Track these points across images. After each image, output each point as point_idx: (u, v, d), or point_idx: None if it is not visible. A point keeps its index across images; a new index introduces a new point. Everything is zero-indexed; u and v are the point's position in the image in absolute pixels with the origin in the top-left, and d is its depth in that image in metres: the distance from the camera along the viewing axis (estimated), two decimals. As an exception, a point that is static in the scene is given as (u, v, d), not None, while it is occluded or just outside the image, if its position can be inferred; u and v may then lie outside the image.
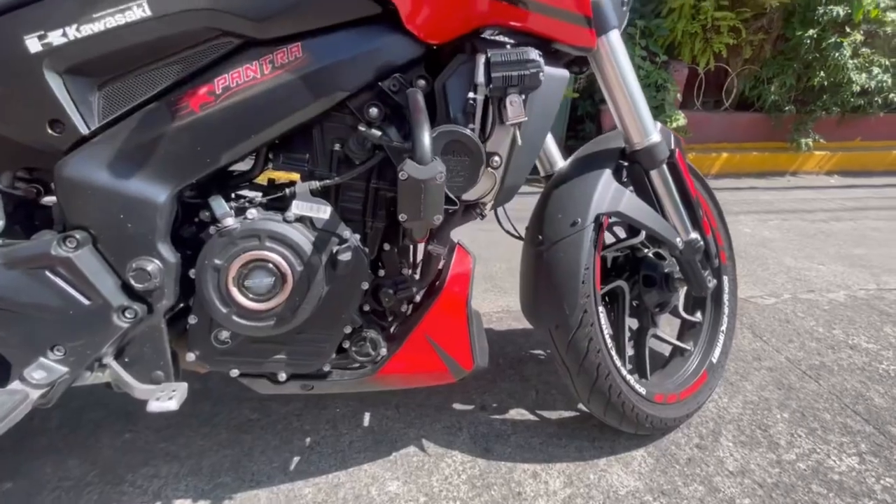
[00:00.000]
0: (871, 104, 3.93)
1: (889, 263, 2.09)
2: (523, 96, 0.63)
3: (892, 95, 3.94)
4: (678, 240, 0.95)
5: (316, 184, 0.73)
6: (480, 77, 0.66)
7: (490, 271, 1.88)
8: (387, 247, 0.82)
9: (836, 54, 3.53)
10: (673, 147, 0.95)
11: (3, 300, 0.63)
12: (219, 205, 0.69)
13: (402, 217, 0.61)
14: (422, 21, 0.67)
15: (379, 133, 0.70)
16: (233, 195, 0.74)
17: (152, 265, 0.66)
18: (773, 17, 3.65)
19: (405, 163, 0.57)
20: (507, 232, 1.09)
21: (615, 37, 0.80)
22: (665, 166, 0.92)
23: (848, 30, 3.57)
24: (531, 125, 0.69)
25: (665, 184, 0.93)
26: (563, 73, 0.72)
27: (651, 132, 0.88)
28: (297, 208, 0.71)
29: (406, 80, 0.71)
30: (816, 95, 3.84)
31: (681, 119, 3.53)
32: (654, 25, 3.75)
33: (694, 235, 0.97)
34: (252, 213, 0.70)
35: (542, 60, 0.62)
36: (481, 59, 0.65)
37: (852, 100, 3.80)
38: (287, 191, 0.73)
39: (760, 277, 1.92)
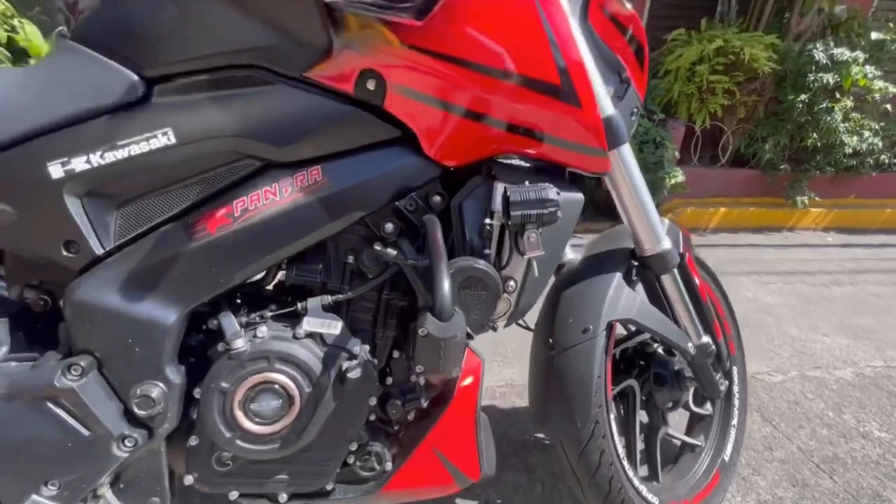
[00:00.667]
0: (863, 164, 4.04)
1: (893, 336, 2.08)
2: (540, 230, 0.64)
3: (883, 157, 4.06)
4: (690, 345, 0.94)
5: (328, 298, 0.72)
6: (498, 205, 0.66)
7: (496, 336, 1.85)
8: (396, 354, 0.81)
9: (828, 118, 3.66)
10: (682, 251, 0.95)
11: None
12: (229, 323, 0.67)
13: (419, 369, 0.60)
14: (439, 147, 0.68)
15: (394, 252, 0.70)
16: (243, 308, 0.73)
17: (157, 390, 0.64)
18: (766, 82, 3.80)
19: (426, 319, 0.56)
20: (517, 323, 1.08)
21: (626, 150, 0.82)
22: (676, 270, 0.92)
23: (838, 95, 3.72)
24: (547, 249, 0.69)
25: (676, 288, 0.93)
26: (578, 197, 0.72)
27: (662, 239, 0.88)
28: (308, 325, 0.70)
29: (422, 198, 0.72)
30: (810, 155, 3.94)
31: (679, 176, 3.60)
32: (652, 85, 3.90)
33: (705, 339, 0.96)
34: (262, 330, 0.69)
35: (559, 198, 0.63)
36: (499, 189, 0.66)
37: (845, 160, 3.91)
38: (299, 305, 0.72)
39: (766, 350, 1.90)
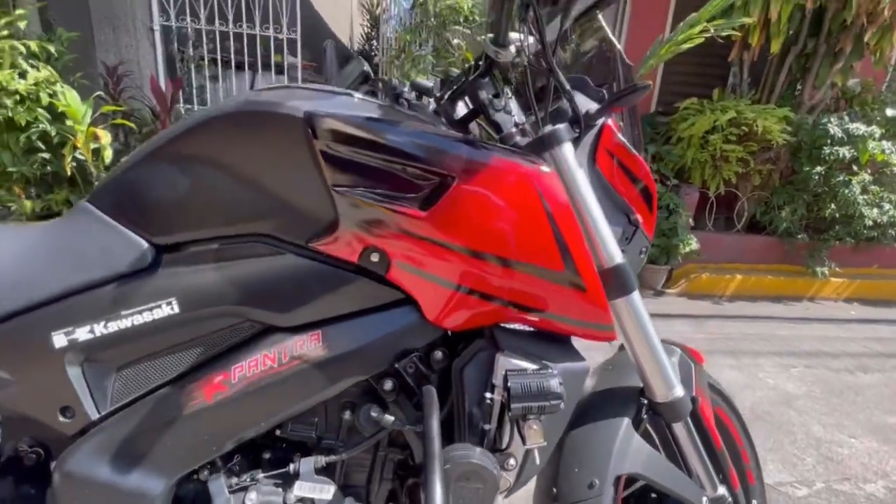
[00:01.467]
0: (884, 235, 3.95)
1: (927, 439, 1.95)
2: (542, 418, 0.61)
3: (905, 228, 3.97)
4: (704, 499, 0.88)
5: (322, 460, 0.70)
6: (499, 381, 0.64)
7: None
8: None
9: (846, 191, 3.62)
10: (695, 393, 0.91)
11: None
12: (219, 490, 0.65)
13: None
14: (441, 314, 0.67)
15: (392, 419, 0.68)
16: (234, 463, 0.71)
17: None
18: (781, 152, 3.81)
19: None
20: None
21: (636, 298, 0.80)
22: (689, 418, 0.88)
23: (855, 168, 3.69)
24: (549, 432, 0.66)
25: (689, 437, 0.88)
26: (583, 367, 0.70)
27: (674, 386, 0.85)
28: (299, 489, 0.68)
29: (422, 357, 0.70)
30: (829, 224, 3.88)
31: (693, 244, 3.56)
32: (665, 151, 3.94)
33: (721, 491, 0.90)
34: (252, 497, 0.67)
35: (563, 390, 0.61)
36: (500, 365, 0.64)
37: (865, 231, 3.82)
38: (291, 467, 0.70)
39: (789, 455, 1.79)
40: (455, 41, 3.11)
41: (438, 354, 0.71)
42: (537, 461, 0.66)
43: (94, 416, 0.63)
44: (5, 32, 2.87)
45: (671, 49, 2.93)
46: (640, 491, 1.03)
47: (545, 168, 0.64)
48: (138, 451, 0.63)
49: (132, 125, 3.20)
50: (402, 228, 0.61)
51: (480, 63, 0.79)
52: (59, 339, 0.61)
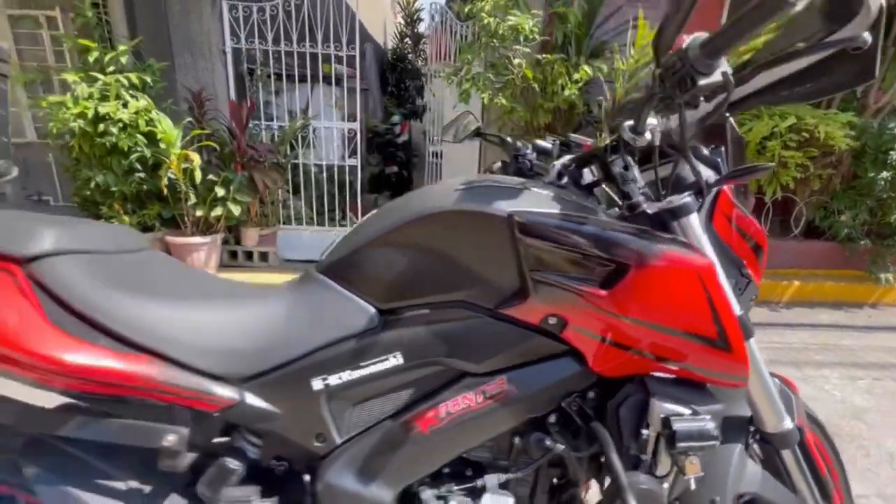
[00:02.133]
0: (953, 240, 3.83)
1: None
2: (701, 452, 0.76)
3: (978, 234, 3.83)
4: None
5: (503, 477, 0.87)
6: (654, 420, 0.79)
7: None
8: None
9: (914, 196, 3.53)
10: (798, 422, 1.03)
11: None
12: (429, 499, 0.84)
13: None
14: (602, 365, 0.82)
15: (563, 446, 0.84)
16: (436, 482, 0.89)
17: None
18: (843, 157, 3.74)
19: None
20: None
21: (753, 341, 0.93)
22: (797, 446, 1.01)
23: (924, 173, 3.59)
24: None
25: (797, 464, 1.00)
26: (720, 408, 0.84)
27: (784, 418, 0.97)
28: (487, 500, 0.85)
29: (580, 396, 0.86)
30: (893, 230, 3.79)
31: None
32: (719, 157, 3.93)
33: (826, 511, 1.03)
34: None
35: (718, 433, 0.76)
36: (656, 410, 0.79)
37: (933, 236, 3.72)
38: (478, 483, 0.87)
39: (864, 469, 1.86)
40: (516, 61, 3.22)
41: (592, 394, 0.87)
42: (692, 486, 0.81)
43: (338, 441, 0.82)
44: (111, 68, 3.18)
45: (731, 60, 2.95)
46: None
47: (702, 260, 0.77)
48: (373, 468, 0.82)
49: (215, 145, 3.49)
50: (583, 303, 0.77)
51: (611, 142, 0.92)
52: (317, 384, 0.80)
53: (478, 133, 1.39)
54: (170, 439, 0.76)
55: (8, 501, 0.79)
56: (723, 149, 0.99)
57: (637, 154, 0.95)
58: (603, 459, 0.82)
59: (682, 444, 0.75)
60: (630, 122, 0.83)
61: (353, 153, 4.34)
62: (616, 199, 0.97)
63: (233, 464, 0.82)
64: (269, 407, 0.80)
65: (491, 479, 0.87)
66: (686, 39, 0.69)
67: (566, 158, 1.05)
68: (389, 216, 0.84)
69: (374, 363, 0.80)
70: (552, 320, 0.80)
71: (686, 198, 0.83)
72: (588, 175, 1.00)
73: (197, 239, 3.48)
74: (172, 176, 3.24)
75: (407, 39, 10.37)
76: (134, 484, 0.81)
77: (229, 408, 0.78)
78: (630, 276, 0.75)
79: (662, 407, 0.79)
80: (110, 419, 0.75)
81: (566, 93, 3.35)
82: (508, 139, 1.28)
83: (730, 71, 0.69)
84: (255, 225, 4.01)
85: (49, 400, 0.74)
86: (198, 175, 3.22)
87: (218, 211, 3.45)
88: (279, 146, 3.92)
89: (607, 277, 0.76)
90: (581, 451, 0.86)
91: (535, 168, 1.19)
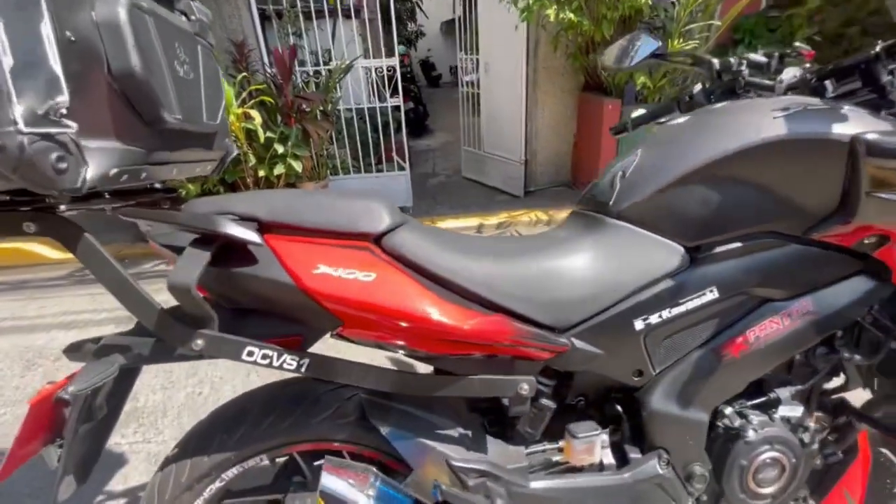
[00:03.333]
0: None
1: None
2: None
3: None
4: None
5: (790, 390, 0.94)
6: None
7: None
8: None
9: None
10: None
11: None
12: (734, 416, 0.91)
13: None
14: (903, 276, 0.85)
15: (849, 356, 0.90)
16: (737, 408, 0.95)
17: (699, 468, 0.90)
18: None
19: None
20: None
21: None
22: None
23: None
24: None
25: None
26: None
27: None
28: (785, 411, 0.93)
29: (877, 310, 0.90)
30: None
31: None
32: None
33: None
34: (757, 419, 0.91)
35: None
36: None
37: None
38: (770, 396, 0.94)
39: None
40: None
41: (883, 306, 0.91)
42: None
43: (654, 373, 0.88)
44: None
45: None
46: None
47: None
48: (689, 394, 0.88)
49: (271, 100, 3.32)
50: None
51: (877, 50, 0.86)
52: (639, 324, 0.84)
53: (658, 55, 1.30)
54: (525, 388, 0.81)
55: (357, 460, 0.86)
56: None
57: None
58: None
59: None
60: None
61: (393, 92, 4.13)
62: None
63: (549, 404, 0.88)
64: (594, 350, 0.84)
65: (782, 392, 0.93)
66: None
67: (798, 70, 1.00)
68: (687, 149, 0.82)
69: (690, 300, 0.83)
70: (870, 239, 0.81)
71: None
72: (830, 87, 0.96)
73: (265, 200, 3.43)
74: (234, 138, 3.12)
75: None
76: (461, 430, 0.88)
77: (560, 354, 0.82)
78: None
79: None
80: (469, 376, 0.80)
81: (634, -4, 3.10)
82: (707, 57, 1.20)
83: None
84: (309, 179, 3.94)
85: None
86: (260, 134, 3.10)
87: (279, 169, 3.37)
88: (325, 93, 3.73)
89: None
90: (867, 360, 0.91)
91: (749, 85, 1.13)
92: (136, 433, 1.85)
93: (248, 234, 0.66)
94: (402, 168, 4.30)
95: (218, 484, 0.84)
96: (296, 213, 0.73)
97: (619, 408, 0.93)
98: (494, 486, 0.81)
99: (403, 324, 0.71)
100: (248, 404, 0.88)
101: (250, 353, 0.71)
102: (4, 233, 0.61)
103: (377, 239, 0.75)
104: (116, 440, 1.82)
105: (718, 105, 1.01)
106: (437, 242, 0.79)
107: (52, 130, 0.48)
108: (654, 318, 0.83)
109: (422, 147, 7.07)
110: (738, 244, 0.83)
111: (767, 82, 1.08)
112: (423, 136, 7.84)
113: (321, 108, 3.70)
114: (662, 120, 1.23)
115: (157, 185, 0.80)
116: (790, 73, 1.01)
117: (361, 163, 4.24)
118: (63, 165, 0.49)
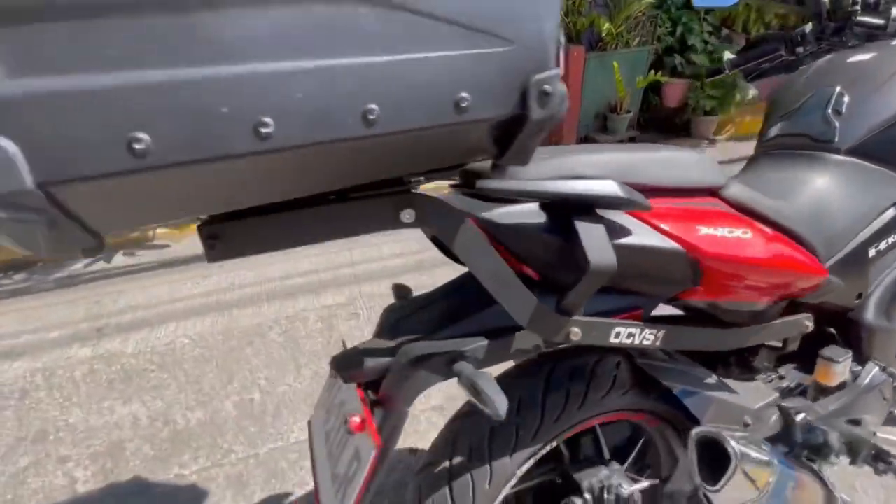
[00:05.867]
0: None
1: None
2: None
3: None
4: None
5: None
6: None
7: None
8: None
9: None
10: None
11: None
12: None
13: None
14: None
15: None
16: None
17: None
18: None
19: None
20: None
21: None
22: None
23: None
24: None
25: None
26: None
27: None
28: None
29: None
30: None
31: (751, 91, 4.01)
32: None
33: None
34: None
35: None
36: None
37: None
38: None
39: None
40: None
41: None
42: None
43: (868, 292, 0.97)
44: None
45: None
46: None
47: None
48: (893, 308, 0.99)
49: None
50: None
51: None
52: (871, 251, 0.91)
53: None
54: (807, 324, 0.84)
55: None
56: None
57: None
58: None
59: None
60: None
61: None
62: None
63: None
64: (837, 280, 0.90)
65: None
66: None
67: None
68: None
69: None
70: None
71: None
72: None
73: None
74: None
75: None
76: (719, 379, 0.90)
77: (818, 287, 0.87)
78: None
79: None
80: (771, 323, 0.81)
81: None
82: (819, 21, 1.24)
83: None
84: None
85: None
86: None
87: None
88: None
89: None
90: None
91: (860, 24, 1.21)
92: (196, 460, 1.58)
93: (640, 199, 0.57)
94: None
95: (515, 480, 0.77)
96: (641, 171, 0.64)
97: (832, 329, 1.01)
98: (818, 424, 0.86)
99: (772, 277, 0.69)
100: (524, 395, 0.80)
101: (617, 335, 0.64)
102: (374, 225, 0.48)
103: (714, 192, 0.70)
104: (177, 471, 1.54)
105: None
106: (757, 187, 0.76)
107: None
108: (882, 245, 0.91)
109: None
110: None
111: (879, 21, 1.17)
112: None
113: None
114: (784, 57, 1.27)
115: None
116: None
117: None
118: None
